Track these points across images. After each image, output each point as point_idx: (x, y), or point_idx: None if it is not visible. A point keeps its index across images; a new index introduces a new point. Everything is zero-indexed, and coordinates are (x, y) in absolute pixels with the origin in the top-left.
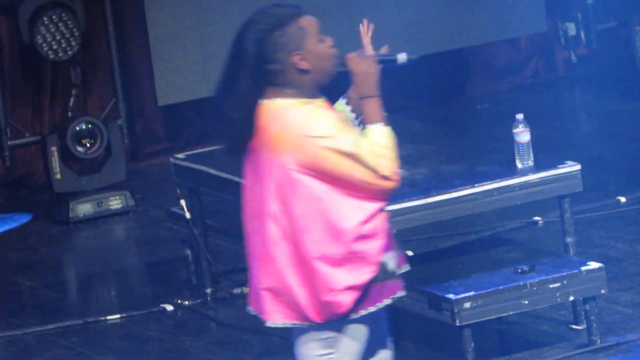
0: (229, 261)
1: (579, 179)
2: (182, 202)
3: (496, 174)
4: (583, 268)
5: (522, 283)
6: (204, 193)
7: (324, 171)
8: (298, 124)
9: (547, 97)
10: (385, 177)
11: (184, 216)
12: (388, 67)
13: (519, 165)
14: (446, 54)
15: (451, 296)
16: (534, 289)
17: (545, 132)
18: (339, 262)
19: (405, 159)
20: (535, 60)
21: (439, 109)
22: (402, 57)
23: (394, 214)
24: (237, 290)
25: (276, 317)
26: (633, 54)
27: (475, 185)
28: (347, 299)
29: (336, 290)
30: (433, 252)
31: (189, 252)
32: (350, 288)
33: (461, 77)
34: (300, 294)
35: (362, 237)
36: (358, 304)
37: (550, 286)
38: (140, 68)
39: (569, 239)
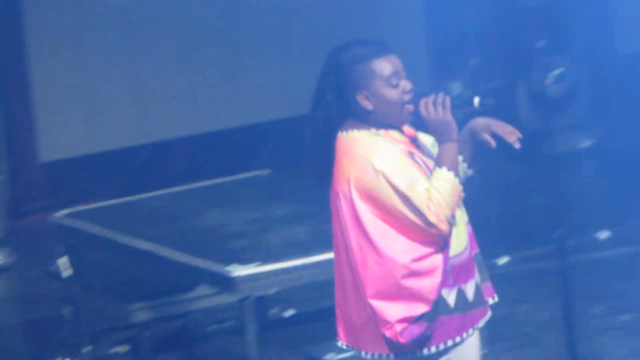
0: (109, 320)
1: None
2: (59, 262)
3: None
4: None
5: None
6: (89, 250)
7: (379, 203)
8: (363, 154)
9: None
10: (430, 224)
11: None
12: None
13: None
14: None
15: (331, 356)
16: None
17: None
18: (391, 296)
19: (287, 217)
20: None
21: None
22: (476, 101)
23: (274, 274)
24: (115, 350)
25: (367, 348)
26: (516, 114)
27: None
28: (402, 331)
29: (390, 323)
30: (316, 312)
31: (67, 310)
32: (402, 321)
33: None
34: (371, 326)
35: (414, 274)
36: (422, 338)
37: None
38: (21, 123)
39: None
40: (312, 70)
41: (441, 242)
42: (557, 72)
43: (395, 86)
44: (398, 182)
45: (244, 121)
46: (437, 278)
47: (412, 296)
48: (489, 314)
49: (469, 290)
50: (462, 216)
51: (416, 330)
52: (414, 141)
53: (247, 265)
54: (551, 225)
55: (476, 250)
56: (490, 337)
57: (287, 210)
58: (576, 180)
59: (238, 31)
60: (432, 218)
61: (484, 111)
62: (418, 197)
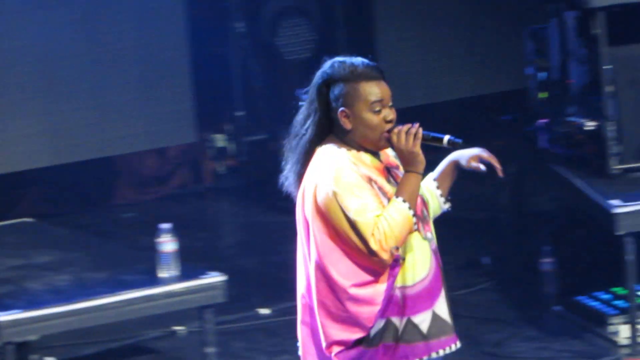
0: None
1: (222, 290)
2: None
3: (139, 282)
4: None
5: None
6: None
7: (330, 222)
8: (325, 170)
9: (194, 207)
10: (372, 252)
11: None
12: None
13: (163, 274)
14: (94, 161)
15: None
16: None
17: (191, 243)
18: (334, 315)
19: (50, 264)
20: (183, 171)
21: (85, 216)
22: (447, 140)
23: (36, 320)
24: None
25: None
26: (281, 167)
27: (118, 293)
28: (339, 353)
29: (330, 342)
30: (77, 359)
31: None
32: (339, 343)
33: (108, 185)
34: (314, 339)
35: (352, 299)
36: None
37: None
38: None
39: (210, 349)
40: (74, 118)
41: (385, 271)
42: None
43: (377, 112)
44: (349, 205)
45: (8, 169)
46: (376, 306)
47: (351, 320)
48: (454, 345)
49: (425, 319)
50: (425, 247)
51: (352, 353)
52: (389, 170)
53: (10, 312)
54: None
55: (444, 282)
56: None
57: (50, 257)
58: None
59: None
60: (374, 246)
61: (448, 150)
62: (364, 224)
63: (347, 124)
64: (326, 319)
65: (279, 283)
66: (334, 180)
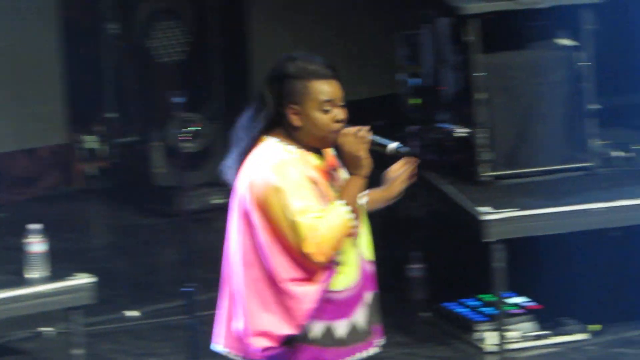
0: None
1: (90, 291)
2: None
3: (7, 283)
4: None
5: None
6: None
7: (269, 216)
8: (269, 165)
9: (64, 208)
10: (306, 253)
11: None
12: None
13: (31, 275)
14: None
15: None
16: None
17: (61, 244)
18: (267, 305)
19: None
20: (53, 172)
21: None
22: (391, 147)
23: None
24: None
25: (226, 345)
26: (151, 169)
27: None
28: (260, 344)
29: (254, 330)
30: None
31: None
32: (266, 335)
33: None
34: (239, 326)
35: (286, 294)
36: (279, 358)
37: None
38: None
39: (77, 351)
40: None
41: (319, 273)
42: (193, 129)
43: (327, 111)
44: (291, 204)
45: None
46: (308, 304)
47: (281, 315)
48: (365, 352)
49: (342, 326)
50: (355, 254)
51: (277, 349)
52: (331, 171)
53: None
54: (182, 280)
55: (374, 290)
56: None
57: None
58: (208, 236)
59: None
60: (309, 249)
61: (392, 158)
62: (303, 225)
63: (296, 121)
64: (256, 307)
65: (148, 286)
66: (279, 176)
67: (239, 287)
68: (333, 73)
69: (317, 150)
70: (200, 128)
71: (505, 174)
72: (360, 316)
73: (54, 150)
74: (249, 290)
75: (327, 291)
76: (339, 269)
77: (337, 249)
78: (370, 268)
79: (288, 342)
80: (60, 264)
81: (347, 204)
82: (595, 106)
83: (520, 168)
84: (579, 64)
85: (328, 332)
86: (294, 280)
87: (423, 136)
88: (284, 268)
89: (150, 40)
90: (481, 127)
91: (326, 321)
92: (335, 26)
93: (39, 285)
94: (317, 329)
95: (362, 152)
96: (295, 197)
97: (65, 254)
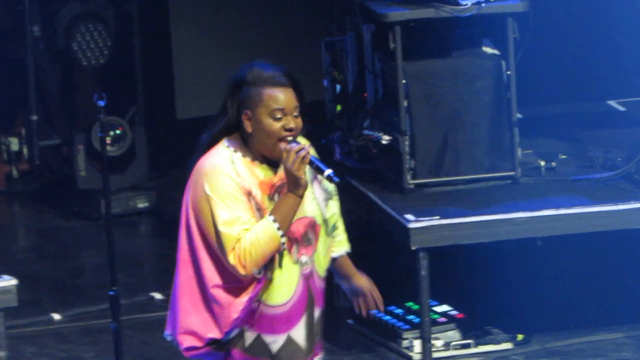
0: None
1: (14, 294)
2: None
3: None
4: None
5: None
6: None
7: (200, 221)
8: (205, 170)
9: None
10: (230, 264)
11: None
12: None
13: None
14: None
15: None
16: None
17: None
18: (196, 306)
19: None
20: None
21: None
22: (325, 174)
23: None
24: None
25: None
26: (74, 172)
27: None
28: (186, 342)
29: (182, 329)
30: None
31: None
32: (192, 334)
33: None
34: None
35: (213, 300)
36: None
37: None
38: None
39: (0, 353)
40: None
41: (246, 284)
42: (115, 132)
43: (277, 119)
44: (218, 214)
45: None
46: (233, 314)
47: (211, 317)
48: None
49: (276, 341)
50: (294, 271)
51: (202, 352)
52: (278, 185)
53: None
54: (105, 284)
55: (321, 307)
56: None
57: None
58: (131, 240)
59: None
60: (232, 260)
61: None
62: (228, 236)
63: (248, 127)
64: (188, 306)
65: (71, 288)
66: (210, 185)
67: (175, 283)
68: (289, 82)
69: (272, 162)
70: (122, 131)
71: (429, 182)
72: (297, 333)
73: None
74: (182, 289)
75: (257, 303)
76: (274, 283)
77: (261, 263)
78: (321, 285)
79: (217, 344)
80: None
81: (276, 220)
82: (518, 115)
83: (444, 176)
84: (503, 72)
85: (259, 343)
86: (220, 287)
87: (346, 143)
88: (211, 274)
89: (73, 43)
90: (404, 135)
91: (258, 332)
92: (260, 31)
93: None
94: (248, 337)
95: (300, 172)
96: (223, 208)
97: None
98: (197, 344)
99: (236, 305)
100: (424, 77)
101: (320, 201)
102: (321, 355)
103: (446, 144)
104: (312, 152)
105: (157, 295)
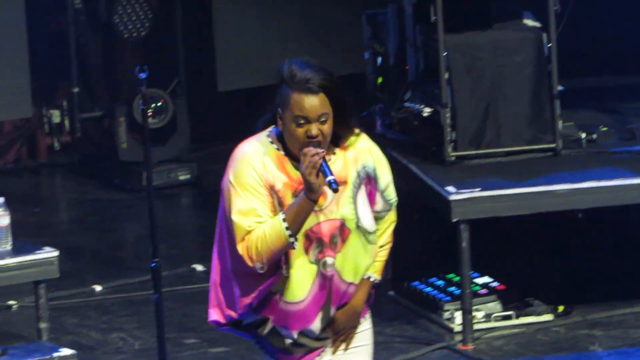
0: None
1: (55, 265)
2: None
3: None
4: (55, 354)
5: None
6: None
7: (224, 206)
8: (235, 157)
9: (29, 182)
10: (239, 253)
11: None
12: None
13: None
14: None
15: None
16: None
17: (25, 217)
18: (223, 282)
19: None
20: (18, 145)
21: None
22: (327, 180)
23: None
24: None
25: None
26: (115, 145)
27: None
28: (212, 316)
29: (210, 304)
30: None
31: None
32: (217, 308)
33: None
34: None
35: (233, 283)
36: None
37: None
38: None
39: (42, 325)
40: None
41: (259, 274)
42: (158, 104)
43: (300, 125)
44: (235, 202)
45: None
46: (246, 299)
47: (231, 297)
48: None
49: (289, 336)
50: (310, 271)
51: (226, 328)
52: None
53: None
54: (146, 256)
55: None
56: None
57: None
58: (172, 212)
59: None
60: (240, 250)
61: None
62: (239, 227)
63: (279, 125)
64: (217, 281)
65: (113, 260)
66: (234, 173)
67: (213, 256)
68: (319, 88)
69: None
70: (163, 104)
71: (470, 154)
72: (310, 330)
73: (19, 124)
74: (216, 263)
75: (278, 296)
76: (291, 281)
77: (267, 259)
78: (346, 288)
79: (237, 324)
80: (25, 237)
81: (286, 220)
82: (559, 87)
83: (485, 148)
84: (544, 45)
85: (275, 334)
86: (238, 271)
87: (388, 115)
88: (233, 256)
89: (114, 15)
90: (445, 107)
91: (274, 324)
92: (301, 3)
93: (4, 259)
94: (267, 326)
95: (312, 177)
96: (240, 197)
97: (30, 227)
98: (221, 319)
99: (249, 292)
100: (465, 49)
101: (360, 206)
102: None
103: (487, 116)
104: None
105: (199, 267)
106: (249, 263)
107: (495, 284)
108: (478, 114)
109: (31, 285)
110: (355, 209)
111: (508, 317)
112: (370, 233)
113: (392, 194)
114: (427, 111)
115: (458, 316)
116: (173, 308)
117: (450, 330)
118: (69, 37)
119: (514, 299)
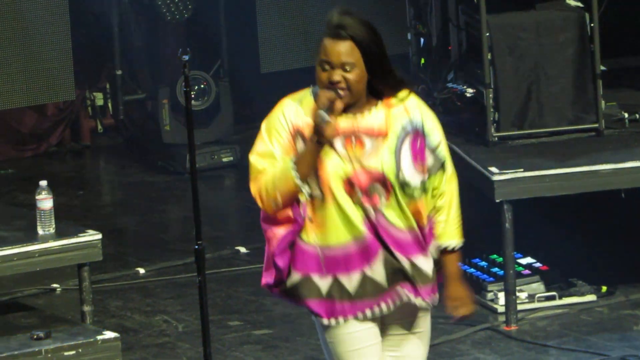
0: None
1: (99, 248)
2: None
3: (16, 239)
4: (99, 337)
5: (37, 349)
6: None
7: None
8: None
9: (72, 165)
10: (251, 193)
11: None
12: None
13: (40, 231)
14: None
15: None
16: (49, 355)
17: (68, 200)
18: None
19: None
20: (62, 128)
21: None
22: (319, 113)
23: None
24: None
25: None
26: (159, 127)
27: None
28: (263, 278)
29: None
30: None
31: None
32: (265, 272)
33: None
34: None
35: (263, 233)
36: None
37: (66, 353)
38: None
39: (86, 308)
40: None
41: (281, 218)
42: (201, 86)
43: (324, 70)
44: (256, 144)
45: None
46: (271, 248)
47: (267, 254)
48: (384, 305)
49: (352, 279)
50: (355, 214)
51: (275, 292)
52: (344, 135)
53: None
54: (191, 238)
55: (413, 255)
56: (125, 347)
57: None
58: (215, 194)
59: None
60: (252, 189)
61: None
62: (254, 166)
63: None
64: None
65: (156, 243)
66: (266, 119)
67: None
68: (348, 35)
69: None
70: (206, 86)
71: (513, 135)
72: (374, 272)
73: (62, 107)
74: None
75: (319, 245)
76: (326, 226)
77: (276, 200)
78: (403, 235)
79: (281, 287)
80: (68, 220)
81: (296, 163)
82: (602, 67)
83: (528, 129)
84: (586, 24)
85: (336, 285)
86: (263, 219)
87: (431, 96)
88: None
89: None
90: (488, 88)
91: (326, 274)
92: None
93: (48, 241)
94: (294, 277)
95: (316, 119)
96: (262, 140)
97: (74, 210)
98: (268, 280)
99: (273, 240)
100: (508, 29)
101: (403, 158)
102: (430, 299)
103: (530, 96)
104: (339, 104)
105: (242, 249)
106: (260, 204)
107: (538, 264)
108: (521, 94)
109: (75, 268)
110: (397, 160)
111: (551, 298)
112: (412, 187)
113: (442, 152)
114: (469, 92)
115: (501, 297)
116: (217, 290)
117: (494, 311)
118: (111, 20)
119: (557, 279)
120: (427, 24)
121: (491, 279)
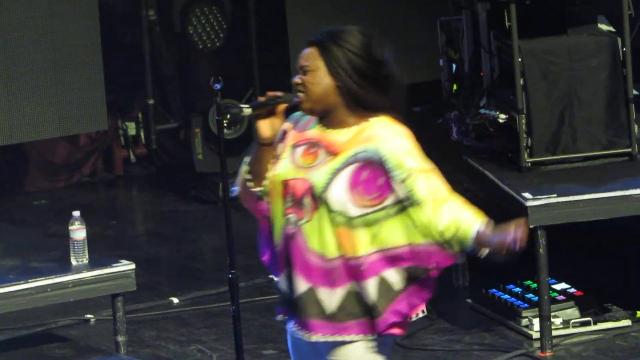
0: None
1: (132, 278)
2: None
3: (50, 270)
4: None
5: None
6: None
7: None
8: None
9: (105, 195)
10: None
11: None
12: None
13: (74, 262)
14: (4, 148)
15: None
16: None
17: (101, 230)
18: None
19: None
20: (94, 158)
21: None
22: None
23: None
24: None
25: None
26: (191, 156)
27: (29, 280)
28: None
29: None
30: None
31: None
32: None
33: (19, 172)
34: None
35: None
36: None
37: None
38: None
39: (120, 338)
40: None
41: (255, 213)
42: (233, 114)
43: (296, 74)
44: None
45: None
46: (265, 244)
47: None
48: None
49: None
50: (282, 222)
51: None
52: (307, 142)
53: None
54: (225, 267)
55: (315, 285)
56: None
57: None
58: (249, 223)
59: None
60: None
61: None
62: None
63: None
64: None
65: (190, 272)
66: None
67: None
68: (311, 43)
69: (322, 119)
70: (239, 114)
71: (546, 160)
72: (282, 282)
73: (94, 137)
74: None
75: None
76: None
77: (243, 197)
78: (313, 260)
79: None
80: (102, 250)
81: (246, 163)
82: (634, 92)
83: (561, 154)
84: (618, 49)
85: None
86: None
87: (463, 122)
88: None
89: (189, 26)
90: (521, 113)
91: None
92: (375, 12)
93: (81, 272)
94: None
95: (259, 118)
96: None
97: (107, 240)
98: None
99: (263, 230)
100: (540, 54)
101: (338, 181)
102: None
103: (563, 121)
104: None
105: (276, 278)
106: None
107: (572, 290)
108: (553, 119)
109: (109, 299)
110: (330, 179)
111: (586, 323)
112: (336, 211)
113: (411, 185)
114: (502, 117)
115: (536, 323)
116: (251, 319)
117: (529, 337)
118: (143, 49)
119: (592, 305)
120: (459, 50)
121: (526, 305)
